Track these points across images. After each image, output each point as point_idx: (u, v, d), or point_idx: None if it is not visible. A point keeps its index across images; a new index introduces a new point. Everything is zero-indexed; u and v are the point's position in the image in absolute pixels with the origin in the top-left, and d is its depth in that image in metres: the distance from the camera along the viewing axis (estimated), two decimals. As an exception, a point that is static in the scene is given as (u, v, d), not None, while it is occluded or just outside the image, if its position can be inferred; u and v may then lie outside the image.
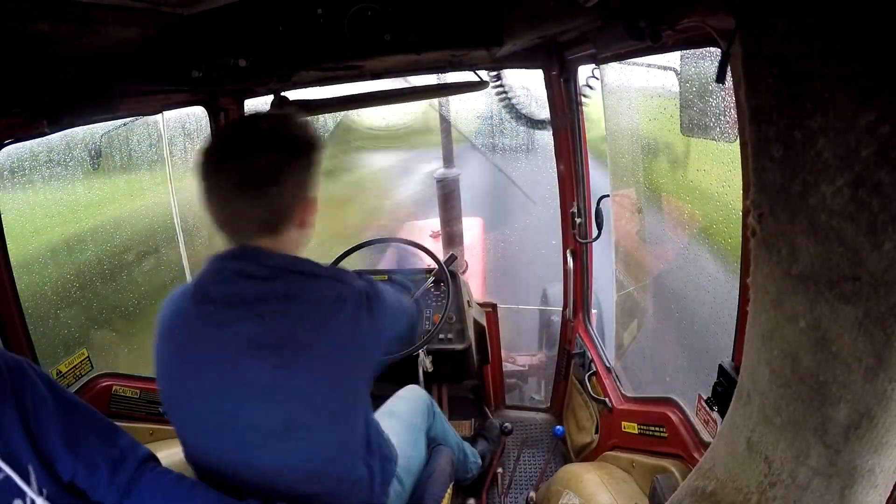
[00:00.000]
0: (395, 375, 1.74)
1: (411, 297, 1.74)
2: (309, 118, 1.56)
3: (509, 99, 1.30)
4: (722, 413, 0.88)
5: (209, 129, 1.70)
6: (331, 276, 0.86)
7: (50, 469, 0.71)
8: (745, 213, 0.77)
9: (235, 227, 0.82)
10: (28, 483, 0.68)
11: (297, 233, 0.85)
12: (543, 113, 1.79)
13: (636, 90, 1.86)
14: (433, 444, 1.43)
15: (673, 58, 1.36)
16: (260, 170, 0.77)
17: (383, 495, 1.03)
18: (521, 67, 1.75)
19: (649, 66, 1.65)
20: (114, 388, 1.49)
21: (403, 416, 1.37)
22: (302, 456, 0.85)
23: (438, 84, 1.78)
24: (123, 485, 0.75)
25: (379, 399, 1.53)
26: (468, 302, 2.05)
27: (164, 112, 1.56)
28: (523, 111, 1.30)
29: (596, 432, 1.73)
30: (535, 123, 1.37)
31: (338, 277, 0.87)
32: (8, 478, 0.66)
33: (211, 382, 0.81)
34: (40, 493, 0.69)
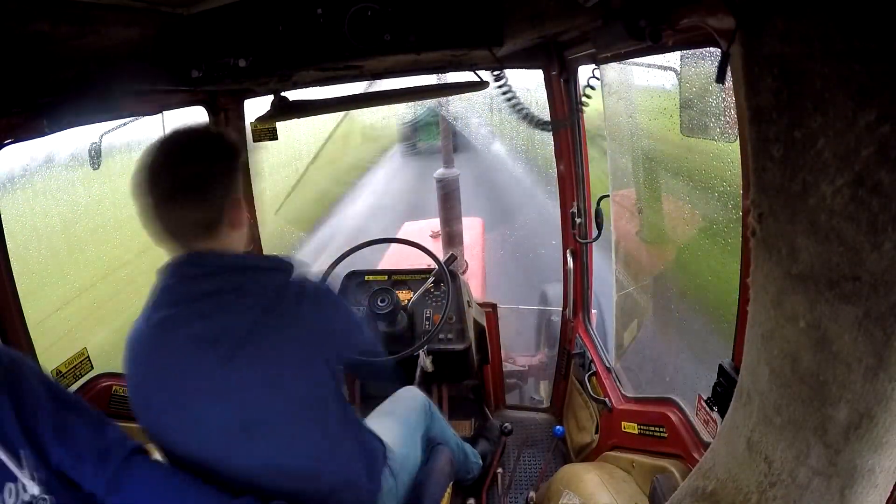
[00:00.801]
0: (395, 375, 1.74)
1: (408, 299, 1.74)
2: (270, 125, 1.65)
3: (514, 99, 1.30)
4: (722, 413, 0.88)
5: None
6: (272, 266, 0.90)
7: (41, 456, 0.72)
8: (745, 212, 0.77)
9: (174, 235, 0.86)
10: (21, 468, 0.69)
11: (232, 234, 0.89)
12: (545, 114, 1.79)
13: (636, 90, 1.87)
14: (432, 444, 1.43)
15: (673, 58, 1.36)
16: (188, 178, 0.83)
17: (371, 484, 1.04)
18: (521, 67, 1.75)
19: (649, 66, 1.65)
20: (114, 388, 1.49)
21: (398, 415, 1.38)
22: (276, 453, 0.86)
23: (438, 84, 1.78)
24: (109, 476, 0.76)
25: (377, 399, 1.53)
26: (468, 302, 2.05)
27: (164, 112, 1.56)
28: (528, 111, 1.30)
29: (596, 432, 1.73)
30: (539, 124, 1.36)
31: (279, 268, 0.90)
32: (2, 462, 0.67)
33: (169, 387, 0.84)
34: (32, 478, 0.69)
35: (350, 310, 1.06)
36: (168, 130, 0.89)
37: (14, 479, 0.68)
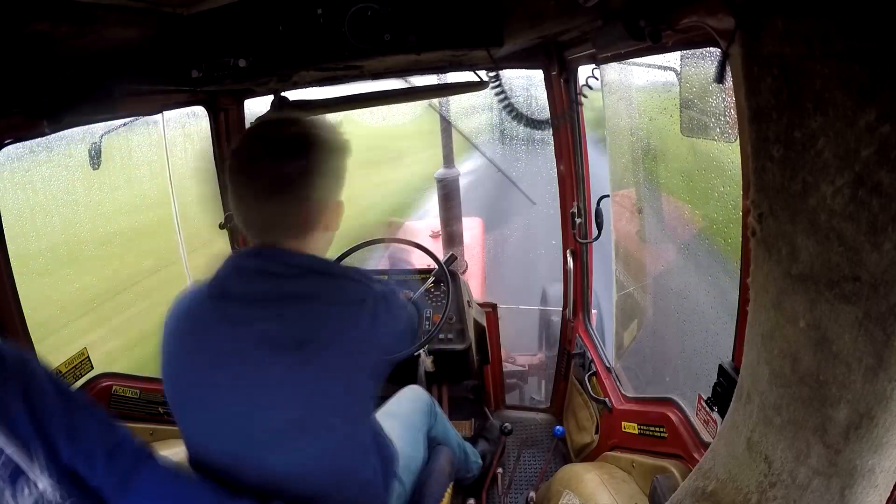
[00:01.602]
0: (396, 375, 1.74)
1: (409, 298, 1.74)
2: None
3: (508, 100, 1.30)
4: (722, 413, 0.88)
5: (209, 129, 1.71)
6: (351, 276, 0.88)
7: (53, 453, 0.72)
8: (745, 213, 0.77)
9: (264, 229, 0.83)
10: (33, 464, 0.69)
11: (322, 235, 0.86)
12: (543, 113, 1.79)
13: (636, 90, 1.87)
14: (434, 444, 1.43)
15: (673, 58, 1.36)
16: (287, 174, 0.78)
17: (386, 494, 1.03)
18: (521, 67, 1.75)
19: (649, 66, 1.65)
20: (114, 388, 1.49)
21: (403, 416, 1.38)
22: (311, 456, 0.84)
23: (438, 84, 1.78)
24: (120, 474, 0.76)
25: (380, 399, 1.53)
26: (468, 302, 2.05)
27: (164, 112, 1.56)
28: (523, 112, 1.30)
29: (596, 432, 1.73)
30: (534, 124, 1.37)
31: (358, 278, 0.88)
32: (14, 458, 0.67)
33: (223, 380, 0.81)
34: (45, 474, 0.70)
35: (406, 312, 1.01)
36: (271, 116, 0.85)
37: (28, 475, 0.68)
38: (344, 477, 0.90)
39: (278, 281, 0.81)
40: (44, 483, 0.69)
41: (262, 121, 0.84)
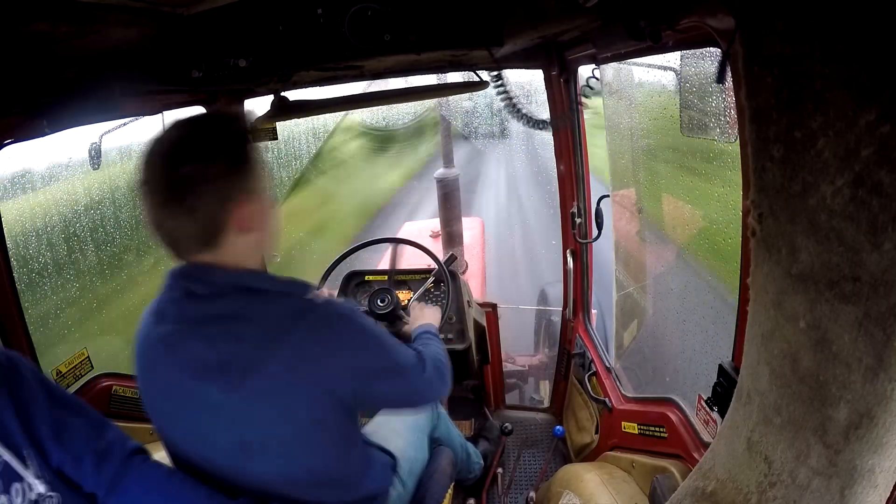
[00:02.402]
0: None
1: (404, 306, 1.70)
2: (270, 125, 1.49)
3: (510, 99, 1.30)
4: (722, 413, 0.88)
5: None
6: (283, 291, 0.80)
7: (43, 456, 0.72)
8: (745, 213, 0.77)
9: (172, 245, 0.77)
10: (26, 468, 0.69)
11: (239, 240, 0.77)
12: (543, 113, 1.79)
13: (636, 90, 1.87)
14: (436, 444, 1.43)
15: (673, 58, 1.36)
16: (177, 183, 0.72)
17: (379, 501, 1.03)
18: (521, 67, 1.75)
19: (649, 66, 1.65)
20: (114, 388, 1.49)
21: (407, 417, 1.37)
22: (271, 476, 0.83)
23: (438, 84, 1.78)
24: (110, 476, 0.76)
25: None
26: (468, 302, 2.05)
27: (164, 112, 1.56)
28: (524, 111, 1.30)
29: (596, 432, 1.73)
30: (535, 123, 1.37)
31: (290, 292, 0.80)
32: (6, 462, 0.67)
33: (175, 403, 0.82)
34: (38, 477, 0.69)
35: (382, 345, 0.87)
36: (168, 121, 0.77)
37: (20, 478, 0.68)
38: (318, 487, 0.88)
39: (203, 303, 0.77)
40: (38, 487, 0.69)
41: (163, 129, 0.77)
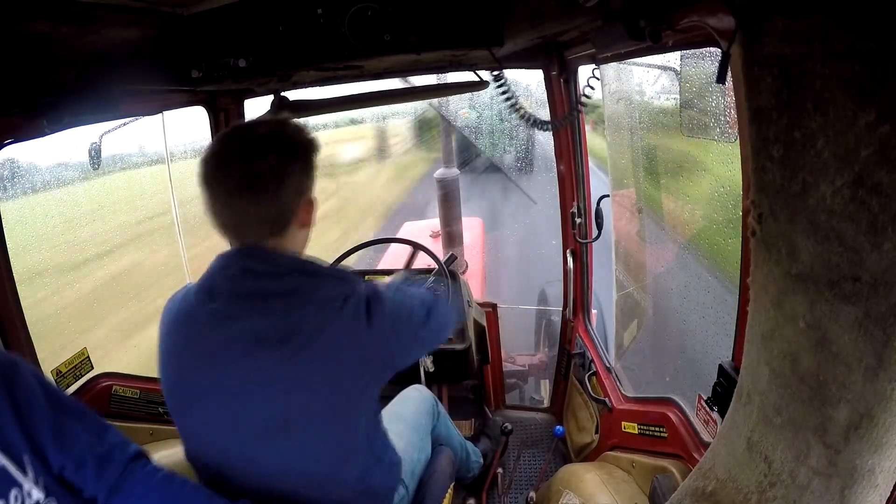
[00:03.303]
0: (398, 375, 1.74)
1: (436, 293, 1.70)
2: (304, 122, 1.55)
3: (513, 99, 1.30)
4: (722, 413, 0.88)
5: (209, 128, 1.71)
6: (334, 275, 0.88)
7: (43, 461, 0.71)
8: (745, 213, 0.77)
9: (240, 229, 0.84)
10: (24, 473, 0.68)
11: (299, 232, 0.87)
12: (544, 113, 1.79)
13: (636, 90, 1.87)
14: (436, 443, 1.43)
15: (673, 58, 1.36)
16: (260, 172, 0.80)
17: (387, 501, 1.03)
18: (521, 67, 1.75)
19: (649, 66, 1.65)
20: (114, 387, 1.49)
21: (409, 418, 1.37)
22: (302, 455, 0.85)
23: (438, 84, 1.78)
24: (111, 482, 0.76)
25: (383, 399, 1.53)
26: (468, 302, 2.05)
27: (164, 112, 1.56)
28: (526, 112, 1.30)
29: (596, 432, 1.73)
30: (537, 124, 1.37)
31: (340, 277, 0.89)
32: (4, 468, 0.67)
33: (216, 379, 0.82)
34: (36, 483, 0.69)
35: (415, 317, 0.96)
36: (242, 121, 0.86)
37: (18, 484, 0.67)
38: (334, 481, 0.89)
39: (262, 280, 0.83)
40: (36, 493, 0.68)
41: (234, 125, 0.86)
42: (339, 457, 0.89)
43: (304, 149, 0.86)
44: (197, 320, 0.84)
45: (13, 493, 0.67)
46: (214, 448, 0.85)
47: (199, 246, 2.17)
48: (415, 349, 1.00)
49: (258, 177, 0.80)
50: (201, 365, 0.83)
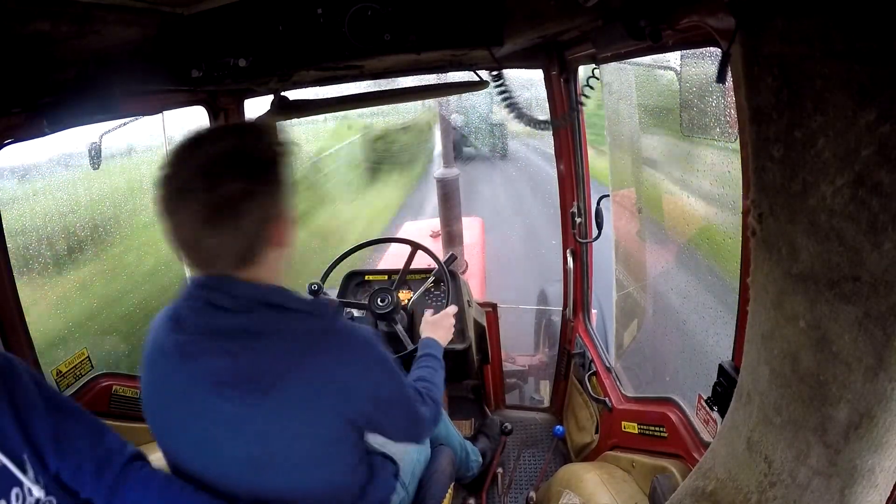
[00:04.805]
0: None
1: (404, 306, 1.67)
2: (272, 123, 1.42)
3: (512, 99, 1.30)
4: (722, 413, 0.88)
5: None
6: (307, 310, 0.80)
7: (42, 464, 0.71)
8: (745, 212, 0.77)
9: (208, 262, 0.76)
10: (24, 473, 0.68)
11: (274, 254, 0.78)
12: (543, 113, 1.79)
13: (636, 90, 1.87)
14: (435, 444, 1.43)
15: (673, 58, 1.36)
16: (220, 201, 0.70)
17: None
18: (521, 67, 1.75)
19: (649, 66, 1.65)
20: (114, 388, 1.49)
21: None
22: (279, 490, 0.82)
23: (438, 84, 1.78)
24: (109, 484, 0.76)
25: None
26: (468, 302, 2.05)
27: (164, 112, 1.56)
28: (525, 111, 1.30)
29: (596, 432, 1.73)
30: (536, 124, 1.37)
31: (312, 311, 0.80)
32: (5, 467, 0.67)
33: (188, 414, 0.80)
34: (36, 482, 0.69)
35: (397, 378, 0.89)
36: (194, 129, 0.75)
37: (19, 483, 0.67)
38: (322, 502, 0.87)
39: (227, 315, 0.76)
40: (36, 491, 0.69)
41: (190, 138, 0.73)
42: (326, 491, 0.86)
43: (271, 163, 0.75)
44: (166, 351, 0.80)
45: (14, 491, 0.67)
46: (198, 477, 0.82)
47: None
48: (395, 421, 0.91)
49: (218, 207, 0.70)
50: (173, 398, 0.81)
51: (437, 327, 1.38)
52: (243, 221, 0.72)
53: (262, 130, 0.80)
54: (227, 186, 0.70)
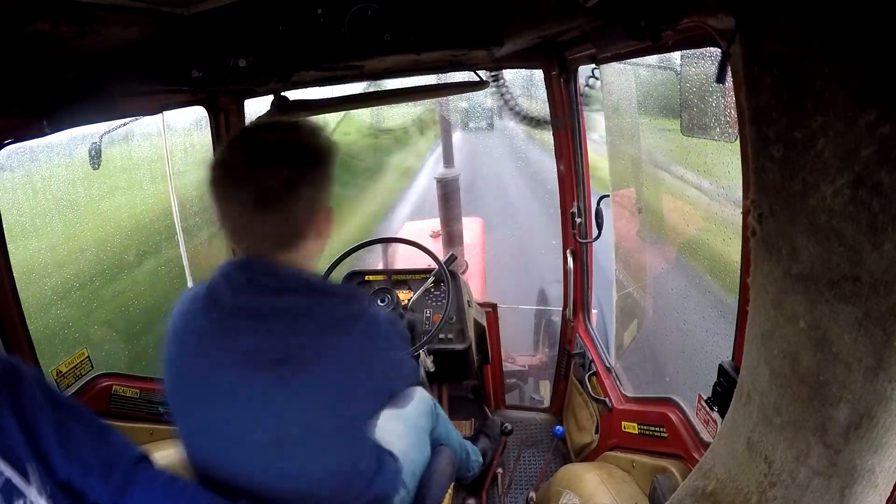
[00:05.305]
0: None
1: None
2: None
3: (510, 99, 1.30)
4: (722, 413, 0.88)
5: (209, 128, 1.71)
6: (342, 294, 0.85)
7: (47, 469, 0.71)
8: (745, 212, 0.77)
9: (252, 243, 0.80)
10: (28, 483, 0.68)
11: (314, 244, 0.83)
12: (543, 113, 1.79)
13: (636, 90, 1.87)
14: (435, 444, 1.43)
15: (673, 58, 1.36)
16: (272, 187, 0.75)
17: None
18: (521, 67, 1.75)
19: (649, 65, 1.65)
20: (114, 387, 1.49)
21: (408, 418, 1.37)
22: (300, 474, 0.83)
23: (438, 84, 1.78)
24: (117, 485, 0.75)
25: None
26: (468, 302, 2.05)
27: (164, 112, 1.56)
28: (524, 111, 1.30)
29: (596, 432, 1.73)
30: (535, 123, 1.37)
31: (349, 296, 0.86)
32: (8, 479, 0.66)
33: (213, 390, 0.81)
34: (41, 493, 0.68)
35: (403, 353, 0.96)
36: (251, 122, 0.79)
37: (23, 495, 0.67)
38: (333, 491, 0.88)
39: (265, 295, 0.79)
40: (39, 501, 0.68)
41: (244, 129, 0.81)
42: (340, 477, 0.87)
43: (320, 157, 0.80)
44: (201, 328, 0.82)
45: (18, 500, 0.67)
46: (212, 457, 0.83)
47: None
48: (396, 383, 0.96)
49: (270, 192, 0.75)
50: (199, 374, 0.82)
51: None
52: (291, 207, 0.77)
53: (313, 127, 0.84)
54: (277, 174, 0.75)
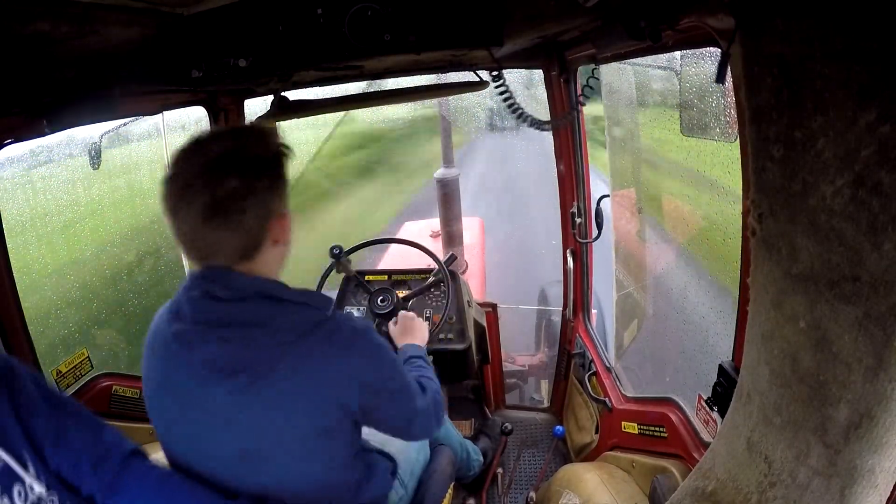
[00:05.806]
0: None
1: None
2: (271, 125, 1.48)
3: (512, 99, 1.30)
4: (722, 413, 0.88)
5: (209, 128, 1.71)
6: (304, 302, 0.82)
7: (43, 460, 0.72)
8: (745, 212, 0.77)
9: (208, 255, 0.79)
10: (26, 470, 0.69)
11: (272, 251, 0.81)
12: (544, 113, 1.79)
13: (636, 89, 1.87)
14: (435, 443, 1.43)
15: (673, 57, 1.36)
16: (221, 198, 0.73)
17: None
18: (521, 67, 1.75)
19: (649, 65, 1.65)
20: (114, 387, 1.49)
21: None
22: (274, 486, 0.82)
23: (438, 84, 1.78)
24: (108, 479, 0.76)
25: None
26: (468, 302, 2.05)
27: (164, 112, 1.56)
28: (525, 111, 1.30)
29: (596, 432, 1.73)
30: (537, 123, 1.37)
31: (307, 302, 0.83)
32: (7, 465, 0.67)
33: (182, 403, 0.81)
34: (38, 479, 0.69)
35: (395, 367, 0.90)
36: (199, 133, 0.77)
37: (21, 479, 0.68)
38: (317, 497, 0.87)
39: (223, 305, 0.78)
40: (38, 488, 0.69)
41: (193, 140, 0.77)
42: (322, 488, 0.86)
43: (269, 163, 0.78)
44: (166, 341, 0.82)
45: (16, 488, 0.68)
46: (194, 471, 0.83)
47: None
48: (390, 412, 0.91)
49: (220, 204, 0.73)
50: (169, 388, 0.82)
51: (407, 334, 1.37)
52: (243, 218, 0.75)
53: (262, 132, 0.82)
54: (227, 184, 0.73)
